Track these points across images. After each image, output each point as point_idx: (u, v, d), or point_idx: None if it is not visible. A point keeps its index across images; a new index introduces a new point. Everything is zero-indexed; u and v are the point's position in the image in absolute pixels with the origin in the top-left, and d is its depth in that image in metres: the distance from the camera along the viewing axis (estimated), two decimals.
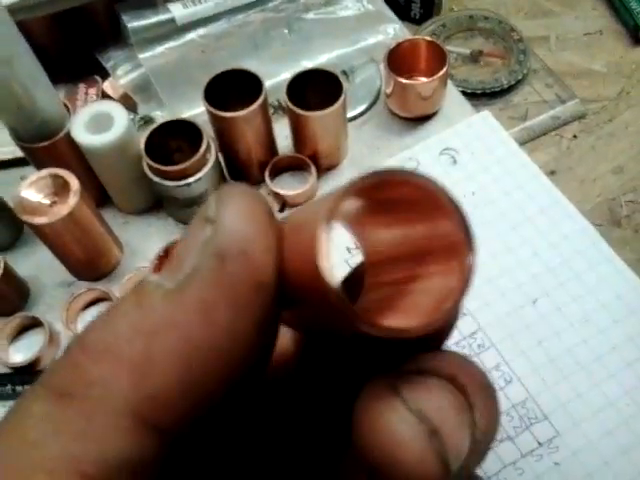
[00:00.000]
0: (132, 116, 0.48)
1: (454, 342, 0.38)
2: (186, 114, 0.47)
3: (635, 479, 0.34)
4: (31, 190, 0.39)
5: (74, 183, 0.38)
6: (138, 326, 0.13)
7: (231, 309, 0.13)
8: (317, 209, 0.13)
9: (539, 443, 0.35)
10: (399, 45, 0.46)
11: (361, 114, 0.50)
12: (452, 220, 0.14)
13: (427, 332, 0.13)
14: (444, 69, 0.45)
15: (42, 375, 0.14)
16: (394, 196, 0.14)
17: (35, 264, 0.45)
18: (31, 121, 0.39)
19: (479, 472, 0.35)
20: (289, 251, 0.14)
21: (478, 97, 0.53)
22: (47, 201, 0.39)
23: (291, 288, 0.14)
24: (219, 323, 0.13)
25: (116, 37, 0.52)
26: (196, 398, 0.13)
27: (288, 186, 0.46)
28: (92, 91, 0.50)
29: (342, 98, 0.42)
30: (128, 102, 0.50)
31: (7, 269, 0.41)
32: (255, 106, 0.40)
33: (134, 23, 0.48)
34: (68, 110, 0.41)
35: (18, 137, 0.41)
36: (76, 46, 0.52)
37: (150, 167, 0.41)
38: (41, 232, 0.39)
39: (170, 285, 0.13)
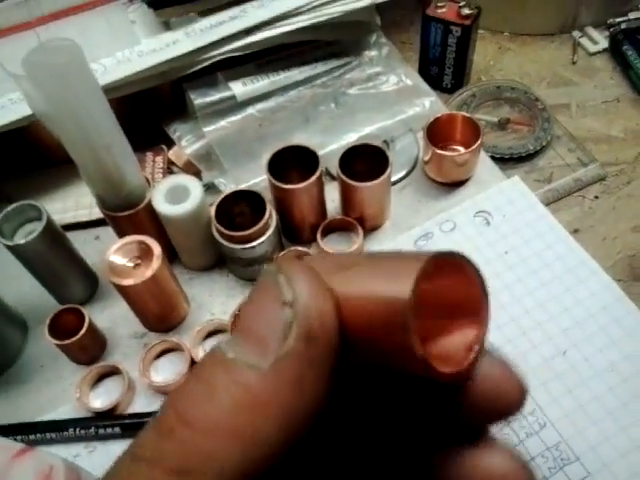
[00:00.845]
0: None
1: None
2: (246, 182, 0.52)
3: None
4: (118, 255, 0.44)
5: (157, 249, 0.43)
6: (240, 402, 0.15)
7: (317, 377, 0.16)
8: (390, 286, 0.16)
9: None
10: (438, 118, 0.52)
11: (401, 179, 0.55)
12: (475, 286, 0.17)
13: (465, 374, 0.17)
14: (478, 141, 0.50)
15: (141, 450, 0.15)
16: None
17: (110, 316, 0.51)
18: (118, 193, 0.45)
19: None
20: (358, 310, 0.17)
21: (506, 161, 0.58)
22: (131, 264, 0.44)
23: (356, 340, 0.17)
24: (308, 391, 0.15)
25: (181, 111, 0.58)
26: (285, 452, 0.15)
27: (337, 245, 0.51)
28: (159, 159, 0.56)
29: (389, 170, 0.47)
30: (191, 170, 0.56)
31: (90, 323, 0.47)
32: (313, 179, 0.46)
33: (200, 100, 0.54)
34: (148, 182, 0.47)
35: (104, 206, 0.46)
36: (144, 119, 0.58)
37: (219, 232, 0.46)
38: (125, 291, 0.44)
39: (264, 366, 0.15)
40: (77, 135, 0.40)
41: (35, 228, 0.43)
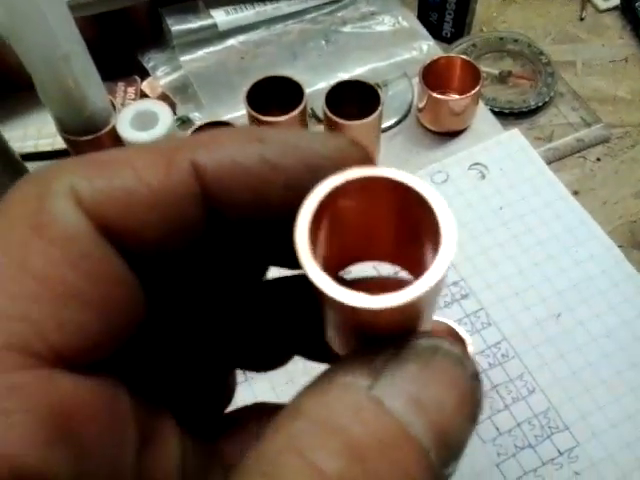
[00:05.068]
0: None
1: (479, 351, 0.39)
2: (224, 117, 0.48)
3: None
4: None
5: None
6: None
7: None
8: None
9: (559, 452, 0.36)
10: (435, 61, 0.48)
11: (392, 126, 0.51)
12: (425, 207, 0.14)
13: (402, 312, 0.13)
14: (477, 87, 0.46)
15: None
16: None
17: None
18: (79, 115, 0.40)
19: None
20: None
21: (505, 116, 0.54)
22: None
23: None
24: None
25: (156, 39, 0.53)
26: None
27: None
28: (131, 90, 0.52)
29: (379, 109, 0.43)
30: (166, 102, 0.51)
31: None
32: (296, 112, 0.42)
33: (177, 27, 0.50)
34: (114, 107, 0.43)
35: (64, 129, 0.42)
36: (116, 45, 0.53)
37: None
38: None
39: None
40: (31, 42, 0.36)
41: None
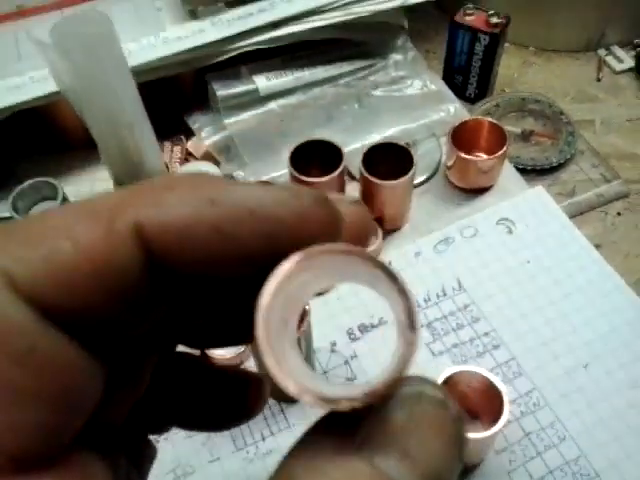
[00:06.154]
0: None
1: (511, 399, 0.41)
2: (265, 175, 0.51)
3: None
4: None
5: None
6: None
7: None
8: None
9: None
10: (463, 123, 0.51)
11: (422, 183, 0.54)
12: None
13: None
14: (504, 148, 0.49)
15: None
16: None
17: None
18: (137, 175, 0.44)
19: None
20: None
21: (528, 173, 0.57)
22: None
23: None
24: None
25: (202, 102, 0.57)
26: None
27: None
28: (177, 149, 0.55)
29: (413, 170, 0.46)
30: (210, 161, 0.55)
31: None
32: (335, 173, 0.45)
33: (222, 91, 0.54)
34: (167, 168, 0.46)
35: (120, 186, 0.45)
36: (164, 108, 0.57)
37: None
38: None
39: None
40: (101, 110, 0.39)
41: (50, 207, 0.42)
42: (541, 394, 0.42)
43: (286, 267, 0.13)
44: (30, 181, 0.42)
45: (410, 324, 0.13)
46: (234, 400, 0.21)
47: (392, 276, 0.14)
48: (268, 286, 0.13)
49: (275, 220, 0.14)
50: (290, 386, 0.13)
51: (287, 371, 0.13)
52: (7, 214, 0.40)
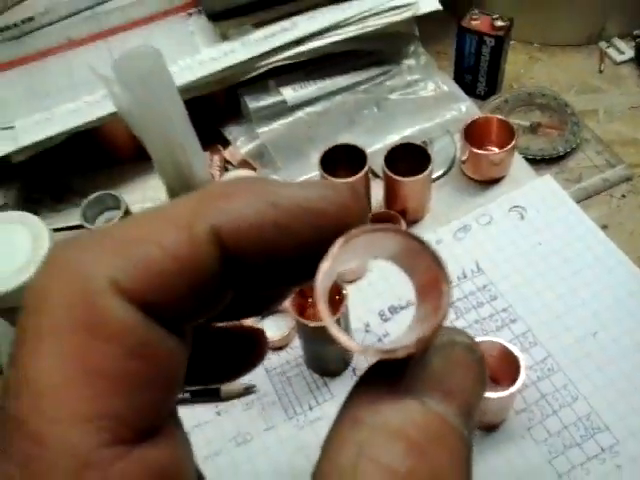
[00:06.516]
0: None
1: (528, 366, 0.46)
2: (297, 178, 0.57)
3: None
4: None
5: None
6: None
7: None
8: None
9: (602, 449, 0.43)
10: (474, 121, 0.56)
11: (439, 177, 0.59)
12: (429, 260, 0.16)
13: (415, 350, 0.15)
14: (513, 142, 0.54)
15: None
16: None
17: None
18: (188, 186, 0.49)
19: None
20: None
21: (537, 162, 0.62)
22: None
23: None
24: None
25: (234, 115, 0.63)
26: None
27: None
28: (216, 158, 0.61)
29: (430, 167, 0.52)
30: (246, 167, 0.61)
31: None
32: (361, 174, 0.50)
33: (254, 104, 0.59)
34: (213, 177, 0.52)
35: (173, 197, 0.51)
36: (200, 122, 0.63)
37: None
38: None
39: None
40: (156, 133, 0.45)
41: (114, 216, 0.48)
42: (555, 361, 0.47)
43: (335, 250, 0.16)
44: (96, 194, 0.49)
45: (444, 277, 0.16)
46: (242, 351, 0.23)
47: (423, 242, 0.16)
48: (322, 267, 0.15)
49: (324, 215, 0.17)
50: (354, 346, 0.15)
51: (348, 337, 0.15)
52: (77, 222, 0.47)
